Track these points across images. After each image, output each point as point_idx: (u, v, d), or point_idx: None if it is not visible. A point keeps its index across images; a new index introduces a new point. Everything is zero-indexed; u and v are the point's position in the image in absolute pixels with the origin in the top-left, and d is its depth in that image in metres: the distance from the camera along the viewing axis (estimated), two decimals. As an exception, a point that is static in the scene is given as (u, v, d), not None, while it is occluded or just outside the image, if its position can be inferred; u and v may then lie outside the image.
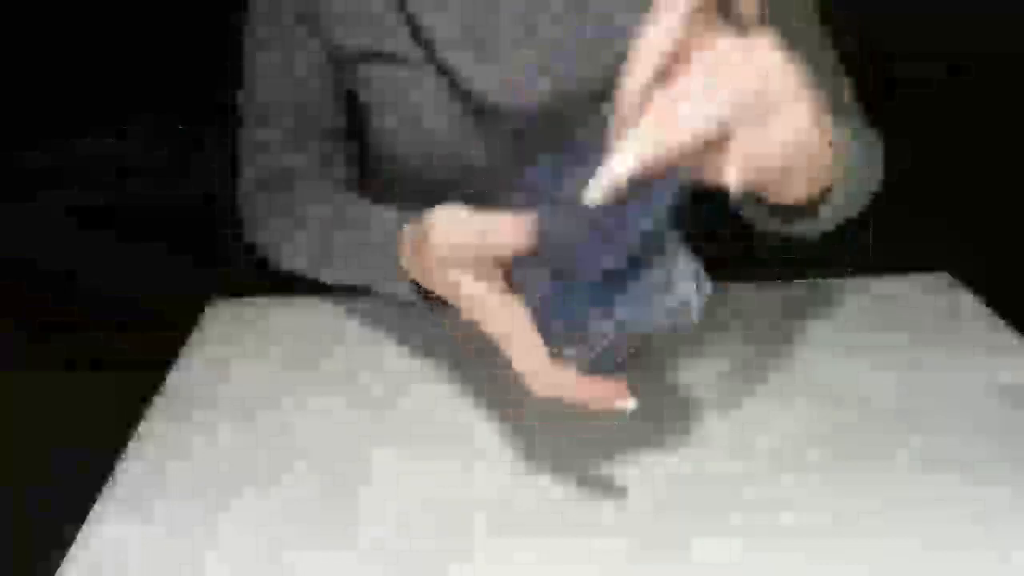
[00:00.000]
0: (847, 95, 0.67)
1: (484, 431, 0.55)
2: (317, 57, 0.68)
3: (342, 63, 0.68)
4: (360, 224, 0.61)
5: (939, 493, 0.50)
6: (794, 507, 0.49)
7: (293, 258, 0.67)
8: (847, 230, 0.61)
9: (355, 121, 0.74)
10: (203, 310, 0.70)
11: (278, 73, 0.69)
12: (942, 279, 0.74)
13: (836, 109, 0.66)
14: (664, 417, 0.56)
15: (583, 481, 0.51)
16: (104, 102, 1.78)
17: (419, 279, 0.51)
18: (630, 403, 0.44)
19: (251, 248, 0.71)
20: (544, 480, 0.51)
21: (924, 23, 2.80)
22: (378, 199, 0.80)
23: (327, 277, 0.65)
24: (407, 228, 0.53)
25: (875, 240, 1.78)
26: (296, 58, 0.68)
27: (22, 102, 1.71)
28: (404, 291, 0.56)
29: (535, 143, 0.68)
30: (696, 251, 0.43)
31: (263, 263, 0.72)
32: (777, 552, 0.45)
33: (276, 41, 0.68)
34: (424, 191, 0.73)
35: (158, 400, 0.59)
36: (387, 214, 0.58)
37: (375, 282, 0.59)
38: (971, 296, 0.71)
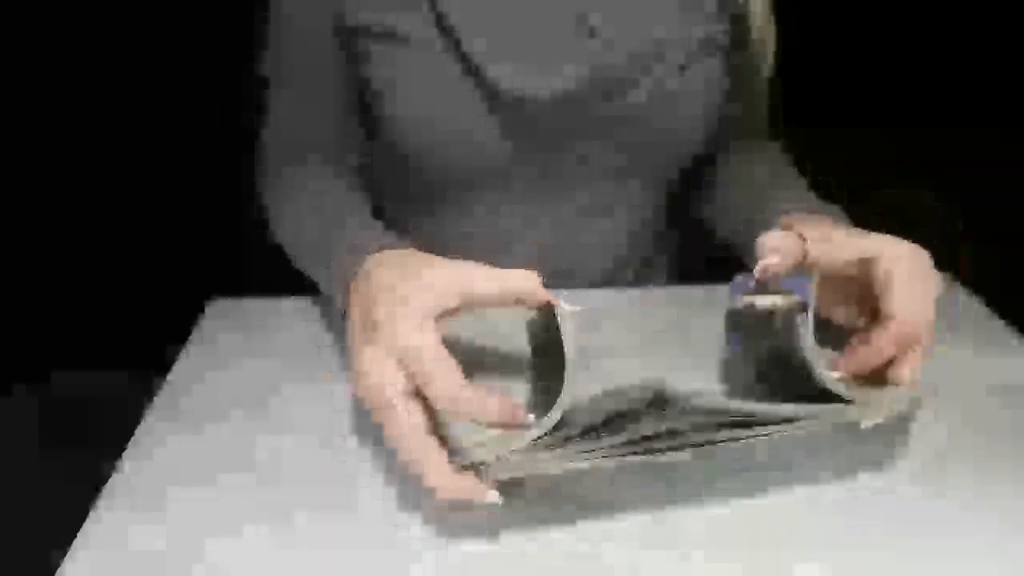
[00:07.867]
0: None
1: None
2: (333, 32, 0.69)
3: (358, 44, 0.68)
4: (337, 227, 0.61)
5: (938, 493, 0.50)
6: (786, 500, 0.49)
7: (278, 229, 0.69)
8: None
9: (369, 120, 0.73)
10: (203, 310, 0.70)
11: (299, 40, 0.70)
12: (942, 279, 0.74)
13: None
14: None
15: (602, 481, 0.51)
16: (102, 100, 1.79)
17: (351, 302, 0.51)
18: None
19: (251, 244, 0.71)
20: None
21: (927, 29, 2.80)
22: (391, 203, 0.80)
23: (296, 262, 0.66)
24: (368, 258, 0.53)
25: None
26: (317, 28, 0.69)
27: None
28: (338, 304, 0.56)
29: (553, 133, 0.68)
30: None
31: (262, 262, 0.72)
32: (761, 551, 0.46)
33: (299, 7, 0.69)
34: (438, 191, 0.73)
35: (158, 400, 0.59)
36: (365, 234, 0.57)
37: (322, 283, 0.60)
38: (971, 296, 0.71)
